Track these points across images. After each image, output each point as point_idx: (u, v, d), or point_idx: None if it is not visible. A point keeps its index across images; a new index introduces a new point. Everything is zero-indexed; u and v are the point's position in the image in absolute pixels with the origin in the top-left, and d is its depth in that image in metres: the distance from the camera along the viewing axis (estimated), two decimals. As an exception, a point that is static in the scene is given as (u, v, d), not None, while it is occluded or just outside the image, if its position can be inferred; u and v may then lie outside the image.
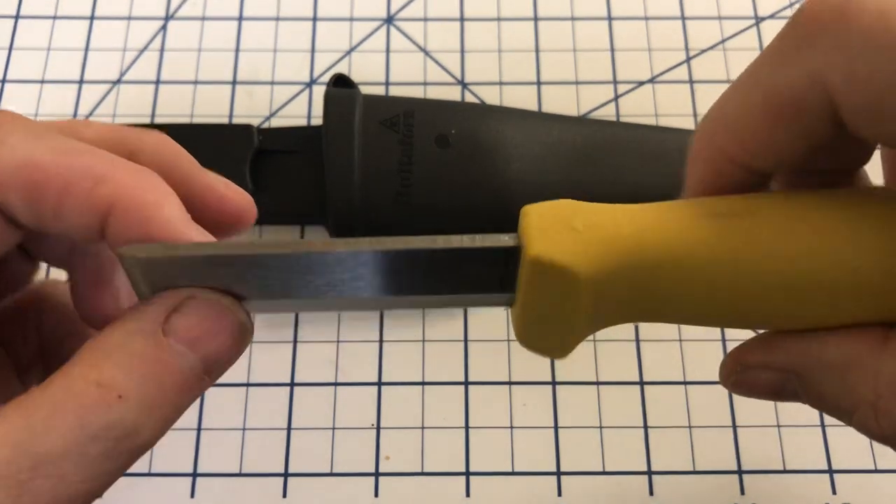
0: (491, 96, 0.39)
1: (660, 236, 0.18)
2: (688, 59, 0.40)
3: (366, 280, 0.19)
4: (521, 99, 0.39)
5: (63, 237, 0.21)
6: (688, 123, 0.38)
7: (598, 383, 0.34)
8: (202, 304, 0.18)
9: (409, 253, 0.18)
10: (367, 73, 0.39)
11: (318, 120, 0.38)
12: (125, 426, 0.17)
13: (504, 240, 0.18)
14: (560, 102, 0.39)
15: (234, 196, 0.21)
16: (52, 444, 0.16)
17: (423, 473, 0.32)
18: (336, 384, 0.34)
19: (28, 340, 0.23)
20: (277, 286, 0.19)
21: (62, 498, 0.16)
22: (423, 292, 0.19)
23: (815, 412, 0.33)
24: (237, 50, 0.40)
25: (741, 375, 0.21)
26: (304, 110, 0.39)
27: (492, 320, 0.35)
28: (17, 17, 0.41)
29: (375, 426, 0.33)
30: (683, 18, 0.41)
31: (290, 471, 0.32)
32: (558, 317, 0.19)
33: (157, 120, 0.38)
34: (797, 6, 0.41)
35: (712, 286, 0.18)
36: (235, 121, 0.38)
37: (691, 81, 0.39)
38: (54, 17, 0.41)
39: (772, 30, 0.40)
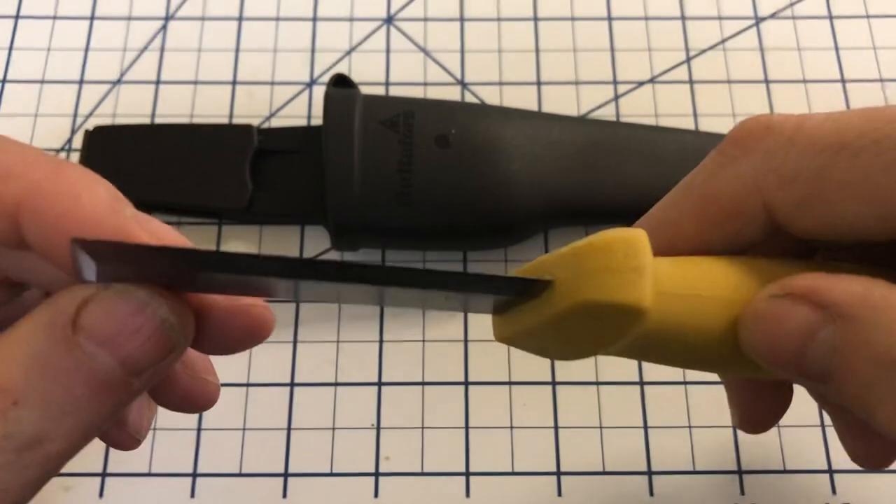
0: (491, 96, 0.39)
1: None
2: (688, 59, 0.40)
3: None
4: (521, 99, 0.39)
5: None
6: (688, 123, 0.38)
7: (598, 383, 0.34)
8: (113, 297, 0.15)
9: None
10: (367, 73, 0.39)
11: (318, 120, 0.38)
12: (26, 435, 0.15)
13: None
14: (560, 102, 0.39)
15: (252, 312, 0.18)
16: None
17: (423, 473, 0.32)
18: (336, 384, 0.33)
19: None
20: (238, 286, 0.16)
21: None
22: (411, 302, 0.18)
23: (815, 411, 0.33)
24: (237, 50, 0.40)
25: (773, 304, 0.17)
26: (305, 110, 0.39)
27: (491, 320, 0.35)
28: (16, 17, 0.40)
29: (375, 426, 0.33)
30: (683, 18, 0.41)
31: (290, 471, 0.32)
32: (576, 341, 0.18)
33: (157, 120, 0.38)
34: (797, 6, 0.41)
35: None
36: (235, 121, 0.38)
37: (691, 81, 0.39)
38: (54, 18, 0.41)
39: (772, 30, 0.40)
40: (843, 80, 0.39)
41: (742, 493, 0.32)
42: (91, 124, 0.37)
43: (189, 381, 0.19)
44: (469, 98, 0.39)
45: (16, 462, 0.15)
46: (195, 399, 0.20)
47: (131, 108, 0.38)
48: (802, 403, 0.25)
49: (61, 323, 0.15)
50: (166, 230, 0.17)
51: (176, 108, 0.38)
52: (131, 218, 0.16)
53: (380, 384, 0.33)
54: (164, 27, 0.40)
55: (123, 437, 0.20)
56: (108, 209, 0.16)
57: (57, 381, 0.15)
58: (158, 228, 0.17)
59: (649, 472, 0.32)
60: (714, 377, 0.33)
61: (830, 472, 0.32)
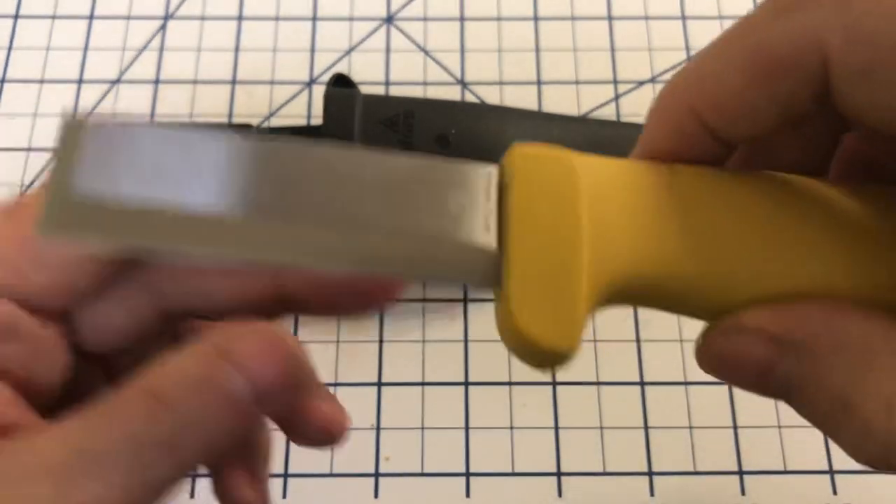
0: (491, 96, 0.39)
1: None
2: (688, 59, 0.40)
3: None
4: (522, 99, 0.39)
5: None
6: (688, 123, 0.38)
7: (598, 383, 0.33)
8: (258, 331, 0.18)
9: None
10: (367, 72, 0.39)
11: (317, 120, 0.38)
12: (167, 438, 0.16)
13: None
14: (560, 102, 0.39)
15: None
16: (103, 447, 0.16)
17: (423, 474, 0.32)
18: (336, 384, 0.33)
19: None
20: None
21: (104, 502, 0.16)
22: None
23: (816, 412, 0.33)
24: (237, 49, 0.40)
25: (729, 341, 0.17)
26: (304, 110, 0.38)
27: (492, 320, 0.34)
28: (16, 16, 0.40)
29: (375, 426, 0.33)
30: (684, 18, 0.41)
31: (290, 471, 0.32)
32: (556, 252, 0.17)
33: (157, 119, 0.38)
34: (797, 6, 0.41)
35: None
36: (235, 120, 0.38)
37: (692, 81, 0.39)
38: (53, 17, 0.40)
39: (772, 30, 0.40)
40: (843, 80, 0.39)
41: (743, 493, 0.32)
42: (90, 124, 0.37)
43: (325, 404, 0.21)
44: (469, 98, 0.39)
45: (155, 462, 0.16)
46: (332, 424, 0.21)
47: (130, 107, 0.38)
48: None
49: (208, 349, 0.17)
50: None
51: (175, 108, 0.38)
52: None
53: (380, 384, 0.33)
54: (163, 27, 0.40)
55: None
56: None
57: (197, 393, 0.17)
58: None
59: (650, 473, 0.32)
60: (714, 379, 0.33)
61: (831, 472, 0.32)
